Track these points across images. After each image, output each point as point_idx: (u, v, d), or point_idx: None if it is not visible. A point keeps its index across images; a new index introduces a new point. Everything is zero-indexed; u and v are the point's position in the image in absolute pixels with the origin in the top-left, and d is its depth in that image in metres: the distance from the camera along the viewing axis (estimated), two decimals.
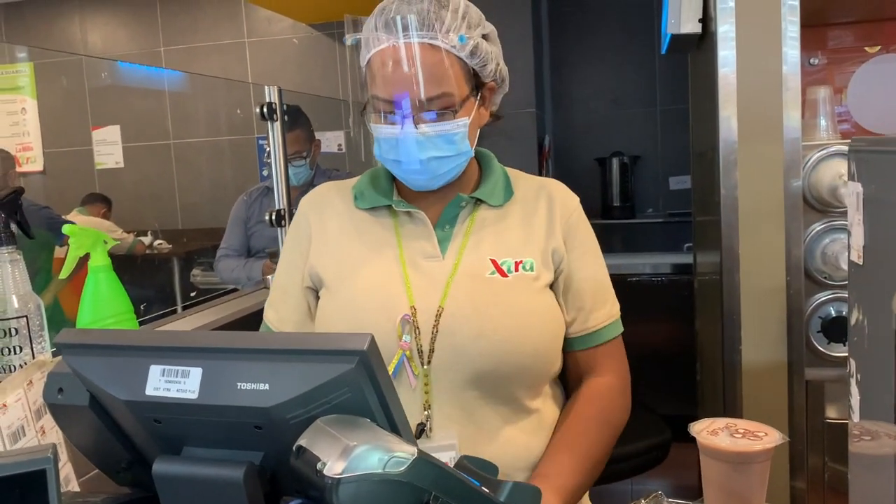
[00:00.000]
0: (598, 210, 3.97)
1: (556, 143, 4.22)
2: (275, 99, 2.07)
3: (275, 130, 2.10)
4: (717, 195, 1.62)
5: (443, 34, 1.06)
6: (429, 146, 1.08)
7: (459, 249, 1.14)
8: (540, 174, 1.26)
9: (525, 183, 1.24)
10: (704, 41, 1.81)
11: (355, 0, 1.54)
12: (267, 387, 0.65)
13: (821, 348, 1.58)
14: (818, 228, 1.56)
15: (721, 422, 0.91)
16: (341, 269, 1.17)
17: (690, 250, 2.85)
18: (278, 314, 1.22)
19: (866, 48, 1.96)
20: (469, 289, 1.10)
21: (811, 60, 1.98)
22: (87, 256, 1.16)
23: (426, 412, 1.07)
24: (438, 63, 1.06)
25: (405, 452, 0.59)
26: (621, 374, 1.22)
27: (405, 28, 1.05)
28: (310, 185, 2.75)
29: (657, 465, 2.19)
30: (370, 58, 1.10)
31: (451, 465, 0.67)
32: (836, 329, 1.56)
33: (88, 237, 1.13)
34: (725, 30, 1.58)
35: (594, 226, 1.25)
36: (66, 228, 1.11)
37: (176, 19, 5.18)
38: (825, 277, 1.56)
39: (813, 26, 1.88)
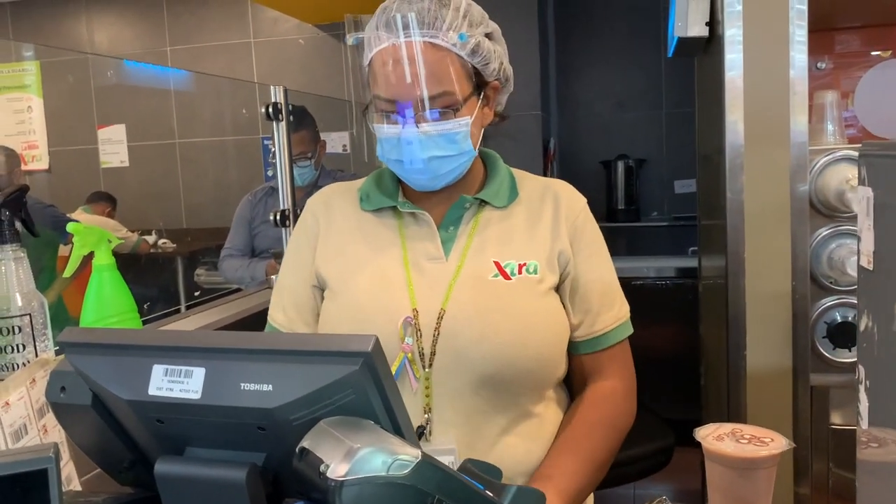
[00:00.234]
0: (602, 213, 3.96)
1: (561, 145, 4.22)
2: (280, 99, 2.07)
3: (280, 130, 2.10)
4: (723, 199, 1.62)
5: (443, 32, 1.06)
6: (430, 145, 1.08)
7: (463, 251, 1.14)
8: (545, 176, 1.25)
9: (531, 184, 1.23)
10: (711, 45, 1.80)
11: (360, 1, 1.53)
12: (270, 388, 0.64)
13: (826, 354, 1.57)
14: (824, 233, 1.55)
15: (727, 427, 0.91)
16: (344, 271, 1.16)
17: (695, 254, 2.84)
18: (287, 316, 1.20)
19: (875, 52, 1.95)
20: (472, 291, 1.10)
21: (818, 65, 1.97)
22: (91, 255, 1.16)
23: (426, 415, 1.07)
24: (439, 61, 1.06)
25: (409, 455, 0.59)
26: (627, 377, 1.20)
27: (405, 27, 1.05)
28: (314, 185, 2.75)
29: (661, 470, 2.19)
30: (371, 57, 1.10)
31: (452, 468, 0.67)
32: (841, 334, 1.55)
33: (92, 236, 1.13)
34: (733, 33, 1.57)
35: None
36: (70, 227, 1.11)
37: (182, 19, 5.19)
38: (831, 282, 1.55)
39: (820, 30, 1.87)
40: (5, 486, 0.63)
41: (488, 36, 1.13)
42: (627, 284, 1.24)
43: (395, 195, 1.19)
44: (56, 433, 0.95)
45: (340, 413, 0.64)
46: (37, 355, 1.02)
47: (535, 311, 1.11)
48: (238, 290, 2.58)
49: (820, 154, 1.54)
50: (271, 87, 2.07)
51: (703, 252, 2.39)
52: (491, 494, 0.68)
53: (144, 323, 1.76)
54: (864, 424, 0.68)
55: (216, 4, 5.10)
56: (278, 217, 2.11)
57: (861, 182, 0.68)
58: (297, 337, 0.67)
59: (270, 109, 2.07)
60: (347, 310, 1.14)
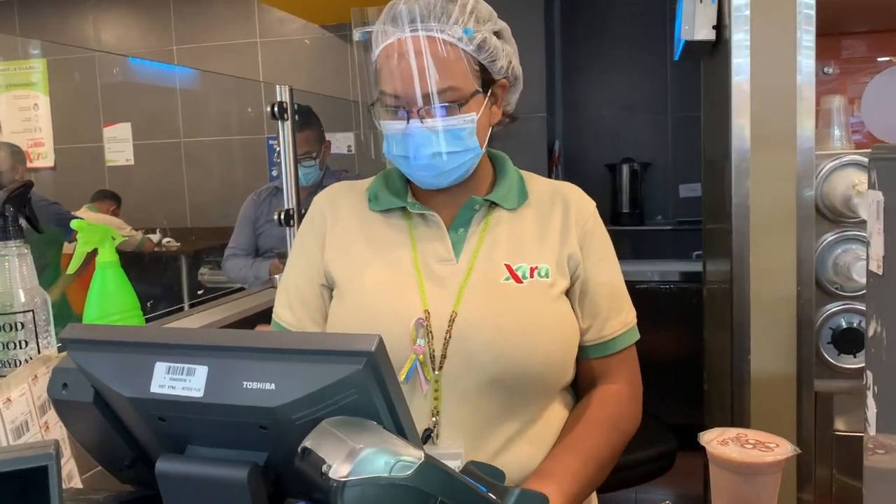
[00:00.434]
0: (607, 216, 3.91)
1: (565, 148, 4.21)
2: (286, 98, 2.07)
3: (285, 130, 2.10)
4: (729, 203, 1.61)
5: (448, 27, 1.05)
6: (435, 141, 1.07)
7: (473, 253, 1.13)
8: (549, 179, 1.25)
9: (540, 186, 1.22)
10: (718, 48, 1.80)
11: (367, 1, 1.53)
12: (273, 386, 0.64)
13: (831, 360, 1.56)
14: (830, 238, 1.54)
15: (731, 432, 0.90)
16: (352, 271, 1.15)
17: (700, 258, 2.84)
18: (295, 314, 1.19)
19: (882, 58, 1.95)
20: (483, 294, 1.09)
21: (825, 70, 1.97)
22: (95, 252, 1.16)
23: (434, 418, 1.06)
24: (444, 56, 1.05)
25: (412, 456, 0.58)
26: (633, 381, 1.20)
27: (411, 21, 1.05)
28: (319, 185, 2.75)
29: (663, 474, 2.18)
30: (378, 53, 1.10)
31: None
32: (846, 340, 1.55)
33: (96, 233, 1.12)
34: (740, 37, 1.57)
35: None
36: (74, 224, 1.11)
37: (188, 18, 5.20)
38: (837, 288, 1.55)
39: (827, 35, 1.87)
40: (5, 482, 0.62)
41: (497, 34, 1.12)
42: (631, 288, 1.23)
43: (404, 196, 1.18)
44: (58, 430, 0.95)
45: (343, 413, 0.64)
46: (39, 352, 1.02)
47: (546, 316, 1.10)
48: (241, 289, 2.58)
49: (826, 159, 1.54)
50: (277, 86, 2.06)
51: (708, 256, 2.39)
52: (494, 497, 0.67)
53: (147, 321, 1.76)
54: (872, 431, 0.67)
55: (222, 4, 5.11)
56: (282, 217, 2.11)
57: (871, 186, 0.68)
58: (300, 336, 0.66)
59: (276, 109, 2.06)
60: (356, 311, 1.13)
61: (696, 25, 1.75)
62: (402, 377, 1.05)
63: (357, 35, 1.13)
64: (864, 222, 1.49)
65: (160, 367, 0.68)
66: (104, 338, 0.73)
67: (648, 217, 4.10)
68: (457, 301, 1.08)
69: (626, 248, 3.94)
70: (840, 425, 1.63)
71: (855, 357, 1.54)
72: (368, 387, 0.63)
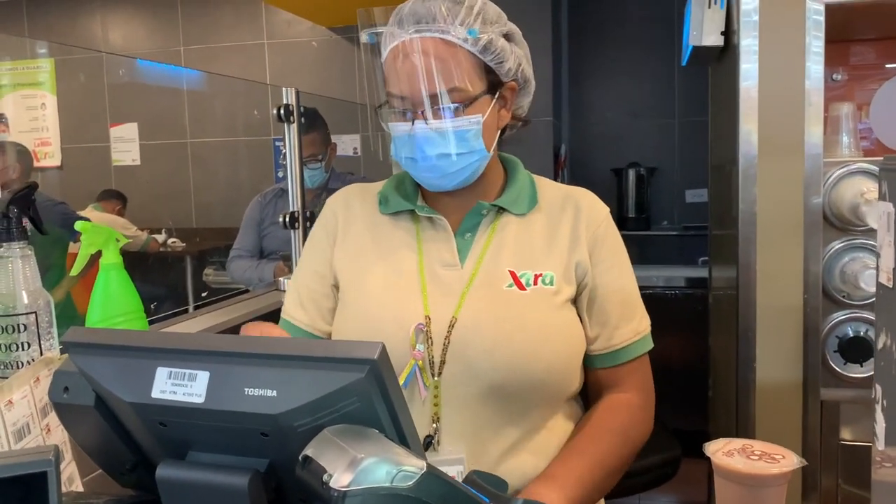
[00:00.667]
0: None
1: (572, 152, 4.20)
2: (292, 101, 2.07)
3: (291, 132, 2.10)
4: (735, 209, 1.60)
5: (454, 28, 1.05)
6: (439, 142, 1.06)
7: (478, 259, 1.12)
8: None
9: (551, 191, 1.20)
10: (726, 54, 1.79)
11: (374, 3, 1.53)
12: (274, 393, 0.64)
13: (837, 368, 1.55)
14: (838, 246, 1.53)
15: (737, 442, 0.89)
16: (357, 275, 1.15)
17: (705, 264, 2.82)
18: (307, 313, 1.19)
19: (890, 65, 1.94)
20: (485, 300, 1.08)
21: (833, 76, 1.95)
22: (99, 253, 1.16)
23: (434, 425, 1.05)
24: (448, 57, 1.05)
25: (414, 466, 0.58)
26: (645, 390, 1.18)
27: (416, 22, 1.05)
28: (324, 188, 2.75)
29: (667, 481, 2.17)
30: (385, 55, 1.10)
31: (459, 479, 0.66)
32: (853, 349, 1.54)
33: (100, 234, 1.12)
34: (748, 43, 1.56)
35: None
36: (78, 225, 1.10)
37: (196, 19, 5.21)
38: (844, 296, 1.54)
39: (835, 42, 1.86)
40: (5, 487, 0.62)
41: (507, 37, 1.12)
42: None
43: (414, 199, 1.18)
44: (59, 433, 0.94)
45: (345, 421, 0.63)
46: (42, 354, 1.01)
47: (548, 324, 1.08)
48: (246, 291, 2.58)
49: (834, 166, 1.53)
50: (283, 88, 2.06)
51: (714, 262, 2.38)
52: None
53: (151, 323, 1.76)
54: (881, 445, 0.66)
55: (230, 5, 5.12)
56: (287, 219, 2.10)
57: (881, 197, 0.67)
58: (302, 342, 0.66)
59: (282, 111, 2.06)
60: (359, 314, 1.13)
61: (704, 31, 1.74)
62: (400, 382, 1.04)
63: (364, 37, 1.13)
64: (871, 231, 1.48)
65: (161, 373, 0.67)
66: (106, 342, 0.73)
67: (654, 222, 4.09)
68: (458, 307, 1.08)
69: (632, 252, 3.88)
70: (846, 434, 1.62)
71: (862, 366, 1.53)
72: (371, 395, 0.63)
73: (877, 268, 0.67)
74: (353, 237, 1.19)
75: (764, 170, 1.57)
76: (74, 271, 1.12)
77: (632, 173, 4.00)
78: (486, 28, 1.08)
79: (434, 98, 1.05)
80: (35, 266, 1.02)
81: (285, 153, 2.15)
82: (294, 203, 2.14)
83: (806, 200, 1.54)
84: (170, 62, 5.26)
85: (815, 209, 1.53)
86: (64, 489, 0.95)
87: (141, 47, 5.38)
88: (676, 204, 4.09)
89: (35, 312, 1.00)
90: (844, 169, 1.52)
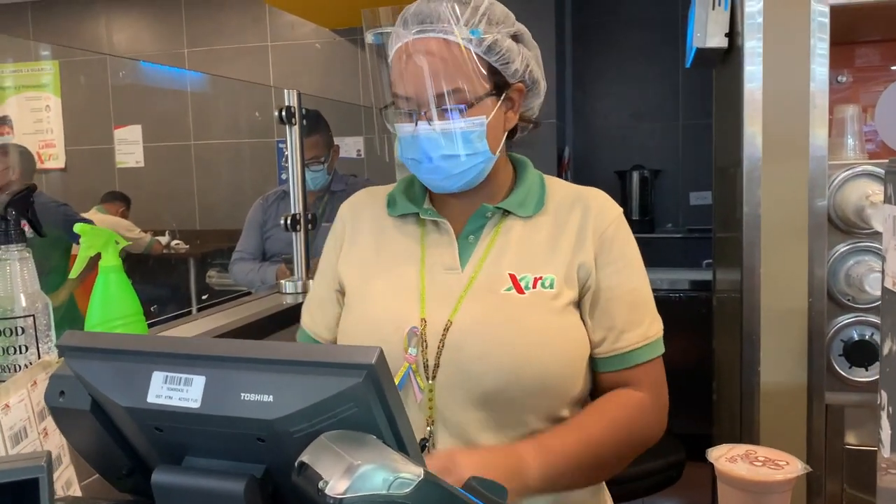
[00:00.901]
0: None
1: (575, 154, 4.20)
2: (293, 103, 2.07)
3: (293, 134, 2.09)
4: (740, 212, 1.59)
5: (458, 28, 1.04)
6: (441, 143, 1.05)
7: (479, 262, 1.11)
8: None
9: (562, 192, 1.17)
10: (730, 56, 1.78)
11: (378, 4, 1.52)
12: (271, 398, 0.63)
13: (842, 372, 1.54)
14: (842, 249, 1.52)
15: (740, 448, 0.88)
16: (360, 279, 1.16)
17: (710, 267, 2.81)
18: (313, 319, 1.23)
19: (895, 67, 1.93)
20: (481, 304, 1.07)
21: (838, 78, 1.94)
22: (99, 256, 1.15)
23: (429, 428, 1.05)
24: (450, 58, 1.04)
25: (411, 473, 0.57)
26: (657, 393, 1.13)
27: (420, 22, 1.05)
28: (327, 190, 2.75)
29: (671, 485, 2.16)
30: (392, 56, 1.09)
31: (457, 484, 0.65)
32: (858, 353, 1.53)
33: (100, 237, 1.11)
34: (753, 45, 1.55)
35: None
36: (77, 228, 1.10)
37: (200, 22, 5.22)
38: (849, 300, 1.52)
39: (840, 44, 1.85)
40: None
41: (515, 38, 1.11)
42: None
43: (421, 202, 1.18)
44: (56, 437, 0.94)
45: (342, 426, 0.62)
46: (39, 357, 1.01)
47: (544, 328, 1.06)
48: (248, 293, 2.57)
49: (839, 169, 1.52)
50: (285, 90, 2.06)
51: (718, 265, 2.37)
52: None
53: (155, 324, 1.75)
54: (886, 452, 0.65)
55: (234, 8, 5.12)
56: (289, 221, 2.10)
57: (887, 200, 0.66)
58: (299, 347, 0.65)
59: (283, 113, 2.06)
60: (358, 318, 1.13)
61: (708, 33, 1.73)
62: None
63: (370, 38, 1.12)
64: (877, 233, 1.47)
65: (157, 377, 0.67)
66: (101, 345, 0.72)
67: (658, 224, 4.08)
68: (454, 310, 1.07)
69: None
70: (851, 439, 1.61)
71: (867, 370, 1.52)
72: (368, 400, 0.62)
73: (882, 272, 0.66)
74: (359, 243, 1.19)
75: (768, 172, 1.56)
76: (73, 273, 1.12)
77: (636, 176, 3.99)
78: (492, 28, 1.07)
79: (436, 99, 1.04)
80: (33, 269, 1.02)
81: (288, 155, 2.15)
82: (296, 206, 2.13)
83: (810, 203, 1.53)
84: (174, 64, 5.27)
85: (819, 212, 1.52)
86: (62, 493, 0.95)
87: (145, 50, 5.39)
88: (680, 206, 4.08)
89: (33, 315, 1.00)
90: (849, 171, 1.51)
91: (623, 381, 1.11)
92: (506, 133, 1.13)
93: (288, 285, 2.17)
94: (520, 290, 1.07)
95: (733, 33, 1.71)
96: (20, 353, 0.99)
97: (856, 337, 1.53)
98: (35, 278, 1.02)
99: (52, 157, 5.44)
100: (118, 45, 5.41)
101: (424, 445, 1.03)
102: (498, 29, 1.08)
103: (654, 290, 1.17)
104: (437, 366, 1.05)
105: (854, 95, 1.95)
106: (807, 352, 1.56)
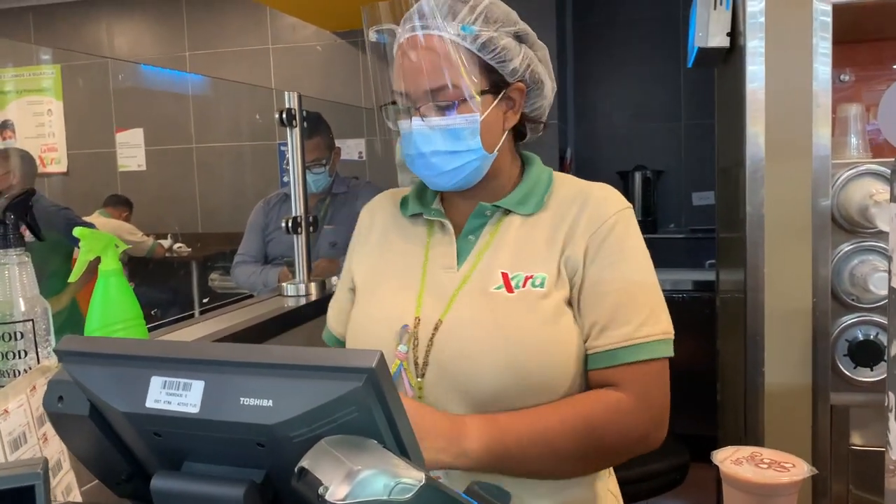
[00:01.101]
0: None
1: (577, 155, 4.19)
2: (294, 105, 2.06)
3: (294, 137, 2.09)
4: (743, 212, 1.59)
5: (452, 25, 1.04)
6: (433, 139, 1.06)
7: (474, 261, 1.11)
8: None
9: (567, 189, 1.14)
10: (732, 55, 1.77)
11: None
12: (270, 403, 0.62)
13: (847, 372, 1.53)
14: (846, 249, 1.52)
15: (745, 450, 0.87)
16: (368, 277, 1.19)
17: (713, 267, 2.81)
18: (335, 317, 1.27)
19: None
20: (471, 303, 1.07)
21: (841, 77, 1.94)
22: (98, 260, 1.15)
23: None
24: (441, 54, 1.04)
25: (412, 478, 0.56)
26: (642, 398, 1.04)
27: (420, 18, 1.05)
28: (328, 192, 2.74)
29: (676, 487, 2.15)
30: (395, 53, 1.10)
31: (442, 480, 0.64)
32: (863, 353, 1.52)
33: (99, 241, 1.11)
34: (755, 45, 1.54)
35: None
36: (77, 231, 1.09)
37: (201, 25, 5.22)
38: (853, 300, 1.52)
39: (842, 43, 1.84)
40: None
41: (519, 37, 1.10)
42: None
43: (431, 202, 1.19)
44: (56, 442, 0.93)
45: (343, 431, 0.61)
46: (39, 362, 1.00)
47: (530, 328, 1.03)
48: (250, 296, 2.57)
49: (843, 168, 1.51)
50: (285, 93, 2.05)
51: (722, 265, 2.36)
52: None
53: (157, 327, 1.75)
54: (894, 454, 0.64)
55: (235, 10, 5.12)
56: (290, 224, 2.09)
57: (893, 199, 0.65)
58: (298, 351, 0.65)
59: (284, 115, 2.05)
60: (360, 316, 1.16)
61: (710, 32, 1.72)
62: None
63: (373, 35, 1.12)
64: (881, 233, 1.46)
65: (156, 382, 0.66)
66: (100, 350, 0.71)
67: (661, 225, 4.07)
68: (446, 309, 1.07)
69: None
70: (857, 439, 1.60)
71: (872, 370, 1.51)
72: (369, 404, 0.61)
73: (888, 271, 0.65)
74: (370, 243, 1.23)
75: (771, 172, 1.55)
76: (73, 277, 1.11)
77: (638, 176, 3.98)
78: (489, 26, 1.06)
79: (427, 94, 1.05)
80: (32, 273, 1.01)
81: (289, 158, 2.14)
82: (297, 208, 2.13)
83: (814, 202, 1.52)
84: (175, 68, 5.27)
85: (823, 211, 1.52)
86: (62, 499, 0.94)
87: (146, 53, 5.39)
88: (683, 207, 4.07)
89: (32, 320, 0.99)
90: (853, 170, 1.50)
91: (608, 380, 1.05)
92: (506, 132, 1.12)
93: (290, 288, 2.16)
94: (509, 289, 1.05)
95: (735, 33, 1.70)
96: (19, 357, 0.99)
97: (860, 337, 1.52)
98: (34, 283, 1.01)
99: (55, 160, 5.44)
100: (119, 49, 5.41)
101: None
102: (496, 27, 1.07)
103: None
104: (425, 364, 1.06)
105: (857, 94, 1.94)
106: (811, 352, 1.55)
